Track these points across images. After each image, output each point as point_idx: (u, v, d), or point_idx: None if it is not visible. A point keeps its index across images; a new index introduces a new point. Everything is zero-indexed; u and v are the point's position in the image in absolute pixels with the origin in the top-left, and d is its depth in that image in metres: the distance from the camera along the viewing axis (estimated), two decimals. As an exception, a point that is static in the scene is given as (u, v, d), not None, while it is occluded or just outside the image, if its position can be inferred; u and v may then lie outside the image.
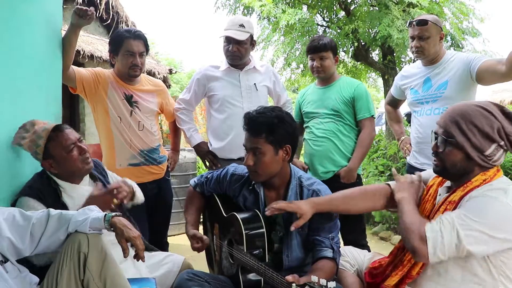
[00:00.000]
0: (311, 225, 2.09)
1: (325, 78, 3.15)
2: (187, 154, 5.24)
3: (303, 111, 3.26)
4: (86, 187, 2.28)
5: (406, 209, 1.76)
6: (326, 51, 3.04)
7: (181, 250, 3.39)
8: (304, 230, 2.10)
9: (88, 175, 2.34)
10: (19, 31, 2.31)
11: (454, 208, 1.65)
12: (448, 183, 1.83)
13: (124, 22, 7.14)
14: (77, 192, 2.23)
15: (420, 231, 1.59)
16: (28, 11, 2.37)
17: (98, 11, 6.61)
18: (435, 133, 1.75)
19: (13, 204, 2.12)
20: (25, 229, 1.84)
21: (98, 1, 6.64)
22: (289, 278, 1.68)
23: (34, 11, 2.43)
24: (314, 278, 1.56)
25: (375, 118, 3.09)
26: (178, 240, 4.68)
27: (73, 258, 1.78)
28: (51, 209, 1.91)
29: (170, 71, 7.83)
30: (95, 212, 1.89)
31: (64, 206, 2.14)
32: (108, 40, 3.33)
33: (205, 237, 2.28)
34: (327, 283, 1.52)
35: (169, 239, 3.38)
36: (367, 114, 3.05)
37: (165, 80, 7.39)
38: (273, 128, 2.03)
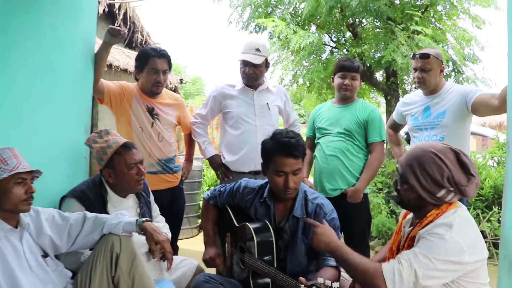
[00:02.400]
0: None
1: (348, 97, 3.26)
2: (194, 162, 5.41)
3: (316, 126, 3.37)
4: (130, 202, 2.53)
5: (350, 253, 1.87)
6: (357, 73, 3.21)
7: (187, 254, 3.59)
8: (309, 239, 2.32)
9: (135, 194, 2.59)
10: (61, 47, 2.55)
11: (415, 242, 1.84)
12: (410, 215, 2.05)
13: (139, 32, 7.39)
14: (122, 204, 2.47)
15: (378, 273, 1.71)
16: (69, 29, 2.62)
17: (117, 21, 6.87)
18: (396, 170, 1.94)
19: (61, 202, 2.36)
20: (63, 228, 2.08)
21: (117, 12, 6.90)
22: (302, 280, 1.89)
23: (73, 29, 2.67)
24: (320, 280, 1.77)
25: (385, 142, 3.22)
26: (184, 244, 4.88)
27: (106, 257, 2.02)
28: (87, 212, 2.15)
29: (181, 81, 8.08)
30: (127, 216, 2.13)
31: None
32: (123, 48, 3.50)
33: (217, 260, 2.55)
34: (331, 284, 1.73)
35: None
36: (378, 138, 3.17)
37: (175, 90, 7.63)
38: (304, 146, 2.26)
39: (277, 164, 2.23)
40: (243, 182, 2.59)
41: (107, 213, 2.35)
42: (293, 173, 2.23)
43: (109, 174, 2.41)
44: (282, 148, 2.21)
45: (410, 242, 1.87)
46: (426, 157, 1.82)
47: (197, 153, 3.85)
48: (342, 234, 3.26)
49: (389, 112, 6.39)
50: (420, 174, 1.81)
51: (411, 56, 3.14)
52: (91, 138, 2.44)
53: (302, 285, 1.84)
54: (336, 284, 1.74)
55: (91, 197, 2.37)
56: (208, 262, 2.56)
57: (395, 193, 2.00)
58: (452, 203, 1.87)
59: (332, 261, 2.24)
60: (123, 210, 2.30)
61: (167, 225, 2.81)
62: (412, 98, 3.24)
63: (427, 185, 1.79)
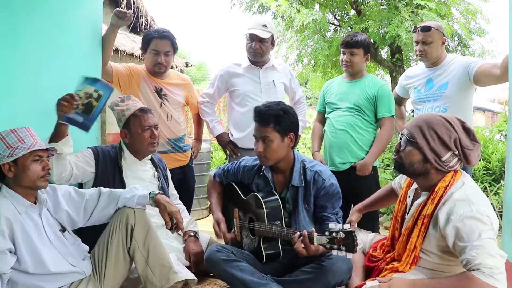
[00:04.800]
0: (316, 203, 2.42)
1: (353, 73, 3.27)
2: (202, 144, 5.49)
3: (327, 100, 3.40)
4: (145, 167, 2.67)
5: (433, 281, 1.83)
6: (358, 48, 3.17)
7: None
8: (310, 207, 2.42)
9: (151, 162, 2.73)
10: (69, 30, 2.63)
11: (430, 220, 1.88)
12: (414, 185, 2.10)
13: (144, 17, 7.43)
14: (135, 165, 2.64)
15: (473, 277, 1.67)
16: (76, 14, 2.70)
17: (121, 6, 6.90)
18: (401, 134, 1.99)
19: None
20: (79, 204, 2.17)
21: (121, -3, 6.96)
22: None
23: (80, 13, 2.74)
24: (331, 225, 1.90)
25: (395, 117, 3.25)
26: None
27: (122, 229, 2.12)
28: (102, 188, 2.24)
29: (187, 64, 8.14)
30: (141, 190, 2.21)
31: (120, 169, 2.55)
32: (128, 33, 3.57)
33: (224, 226, 2.60)
34: (343, 226, 1.85)
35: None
36: (388, 113, 3.18)
37: (181, 72, 7.68)
38: (279, 118, 2.34)
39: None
40: (242, 162, 2.72)
41: (119, 166, 2.56)
42: (262, 140, 2.37)
43: (125, 134, 2.60)
44: (254, 113, 2.41)
45: (425, 221, 1.90)
46: (436, 120, 1.90)
47: (205, 135, 3.91)
48: (352, 207, 3.35)
49: (394, 89, 6.39)
50: (429, 134, 1.88)
51: (413, 29, 3.17)
52: (114, 102, 2.62)
53: (315, 234, 1.96)
54: (347, 226, 1.87)
55: (106, 152, 2.58)
56: (215, 229, 2.62)
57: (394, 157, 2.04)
58: (457, 173, 1.92)
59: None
60: (138, 171, 2.56)
61: (185, 210, 2.94)
62: (414, 71, 3.28)
63: (434, 146, 1.87)
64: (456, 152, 1.87)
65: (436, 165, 1.89)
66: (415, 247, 1.93)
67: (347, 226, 1.87)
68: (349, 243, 1.83)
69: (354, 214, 2.54)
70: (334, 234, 1.87)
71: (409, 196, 2.13)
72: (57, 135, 2.30)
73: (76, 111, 2.33)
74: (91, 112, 2.41)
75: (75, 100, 2.29)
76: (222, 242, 2.66)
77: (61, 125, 2.29)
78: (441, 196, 1.86)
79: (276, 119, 2.34)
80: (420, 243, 1.91)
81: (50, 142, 2.26)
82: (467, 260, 1.70)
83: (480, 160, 5.41)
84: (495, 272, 1.66)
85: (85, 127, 2.42)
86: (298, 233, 2.09)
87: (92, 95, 2.40)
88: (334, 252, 1.89)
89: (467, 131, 1.89)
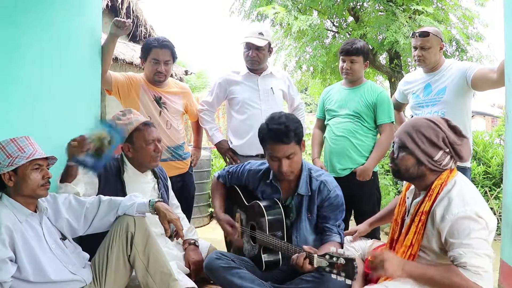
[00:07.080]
0: (319, 213, 2.41)
1: (352, 80, 3.29)
2: (202, 152, 5.49)
3: (326, 108, 3.41)
4: (146, 179, 2.66)
5: (425, 266, 1.87)
6: (358, 55, 3.19)
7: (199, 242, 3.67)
8: (313, 216, 2.41)
9: (152, 172, 2.72)
10: (68, 40, 2.65)
11: (427, 217, 1.91)
12: (412, 187, 2.13)
13: (143, 26, 7.46)
14: (139, 178, 2.63)
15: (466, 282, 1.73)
16: (76, 23, 2.71)
17: (120, 15, 6.95)
18: (393, 142, 2.05)
19: None
20: (80, 212, 2.18)
21: (120, 7, 6.98)
22: (306, 248, 2.01)
23: (79, 23, 2.76)
24: (332, 249, 1.85)
25: (394, 124, 3.27)
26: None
27: (122, 237, 2.12)
28: (101, 196, 2.25)
29: (186, 72, 8.17)
30: (140, 198, 2.22)
31: (122, 183, 2.54)
32: (127, 42, 3.59)
33: (236, 223, 2.58)
34: (344, 252, 1.82)
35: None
36: (387, 120, 3.20)
37: (181, 80, 7.71)
38: (296, 131, 2.31)
39: (270, 150, 2.33)
40: (247, 165, 2.70)
41: (122, 181, 2.53)
42: (287, 158, 2.31)
43: (128, 148, 2.58)
44: (272, 135, 2.30)
45: (422, 217, 1.93)
46: (421, 122, 1.96)
47: (205, 143, 3.91)
48: (353, 212, 3.35)
49: (393, 94, 6.39)
50: (417, 137, 1.94)
51: (411, 35, 3.19)
52: (116, 116, 2.62)
53: (315, 255, 1.92)
54: (348, 252, 1.83)
55: (108, 166, 2.54)
56: (228, 230, 2.59)
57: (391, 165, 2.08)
58: (452, 171, 1.96)
59: (336, 237, 2.33)
60: (140, 183, 2.50)
61: (185, 218, 2.92)
62: (413, 77, 3.29)
63: (425, 147, 1.92)
64: (447, 150, 1.92)
65: (430, 166, 1.94)
66: (411, 244, 1.95)
67: (349, 253, 1.83)
68: (349, 270, 1.80)
69: (363, 226, 2.56)
70: (334, 259, 1.83)
71: (408, 198, 2.16)
72: (67, 175, 2.32)
73: (87, 154, 2.32)
74: (102, 157, 2.39)
75: (86, 143, 2.30)
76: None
77: (70, 166, 2.32)
78: (438, 193, 1.91)
79: (296, 133, 2.31)
80: (418, 240, 1.93)
81: (61, 182, 2.29)
82: (454, 257, 1.77)
83: (480, 165, 5.43)
84: (479, 272, 1.72)
85: (94, 169, 2.39)
86: (297, 254, 2.04)
87: (105, 139, 2.39)
88: (333, 276, 1.84)
89: (453, 128, 1.95)
